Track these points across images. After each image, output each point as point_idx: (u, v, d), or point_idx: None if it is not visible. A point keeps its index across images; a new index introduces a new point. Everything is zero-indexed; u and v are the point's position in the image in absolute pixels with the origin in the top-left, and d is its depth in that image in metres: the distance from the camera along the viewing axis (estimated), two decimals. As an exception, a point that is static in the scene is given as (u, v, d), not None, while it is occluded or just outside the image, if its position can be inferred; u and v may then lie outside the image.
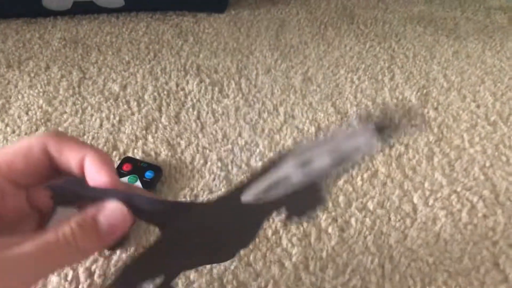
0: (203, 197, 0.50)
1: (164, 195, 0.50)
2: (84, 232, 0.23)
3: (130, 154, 0.54)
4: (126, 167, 0.52)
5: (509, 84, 0.68)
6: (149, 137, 0.57)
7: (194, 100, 0.62)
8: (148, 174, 0.51)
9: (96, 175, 0.25)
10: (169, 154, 0.55)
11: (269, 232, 0.46)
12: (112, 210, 0.24)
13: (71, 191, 0.26)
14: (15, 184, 0.26)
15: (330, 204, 0.49)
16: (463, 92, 0.66)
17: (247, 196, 0.30)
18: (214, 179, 0.52)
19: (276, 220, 0.46)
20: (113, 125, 0.58)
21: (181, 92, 0.64)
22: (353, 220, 0.48)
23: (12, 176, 0.25)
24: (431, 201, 0.50)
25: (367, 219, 0.48)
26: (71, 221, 0.23)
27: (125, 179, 0.50)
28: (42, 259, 0.21)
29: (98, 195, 0.25)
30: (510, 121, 0.62)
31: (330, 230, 0.47)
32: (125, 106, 0.61)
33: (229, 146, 0.56)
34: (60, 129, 0.57)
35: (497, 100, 0.65)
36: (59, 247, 0.22)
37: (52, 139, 0.25)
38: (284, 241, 0.45)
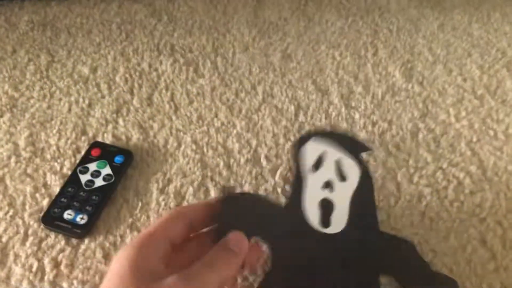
0: (177, 182, 0.47)
1: (135, 180, 0.47)
2: (220, 253, 0.31)
3: (99, 139, 0.52)
4: (95, 152, 0.49)
5: (496, 57, 0.66)
6: (120, 120, 0.54)
7: (168, 81, 0.59)
8: (118, 159, 0.48)
9: None
10: (141, 137, 0.52)
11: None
12: (232, 236, 0.32)
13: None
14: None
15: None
16: (449, 66, 0.64)
17: None
18: (188, 163, 0.49)
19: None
20: (82, 109, 0.55)
21: (154, 73, 0.61)
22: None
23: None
24: (415, 179, 0.48)
25: (349, 199, 0.46)
26: (210, 251, 0.31)
27: (93, 165, 0.48)
28: (196, 279, 0.29)
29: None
30: (498, 94, 0.59)
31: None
32: (95, 89, 0.58)
33: (205, 127, 0.53)
34: (26, 114, 0.54)
35: (484, 73, 0.63)
36: (209, 269, 0.30)
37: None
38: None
